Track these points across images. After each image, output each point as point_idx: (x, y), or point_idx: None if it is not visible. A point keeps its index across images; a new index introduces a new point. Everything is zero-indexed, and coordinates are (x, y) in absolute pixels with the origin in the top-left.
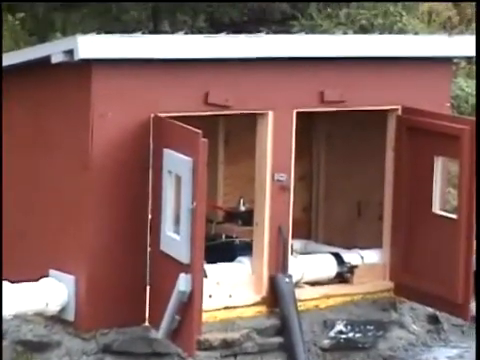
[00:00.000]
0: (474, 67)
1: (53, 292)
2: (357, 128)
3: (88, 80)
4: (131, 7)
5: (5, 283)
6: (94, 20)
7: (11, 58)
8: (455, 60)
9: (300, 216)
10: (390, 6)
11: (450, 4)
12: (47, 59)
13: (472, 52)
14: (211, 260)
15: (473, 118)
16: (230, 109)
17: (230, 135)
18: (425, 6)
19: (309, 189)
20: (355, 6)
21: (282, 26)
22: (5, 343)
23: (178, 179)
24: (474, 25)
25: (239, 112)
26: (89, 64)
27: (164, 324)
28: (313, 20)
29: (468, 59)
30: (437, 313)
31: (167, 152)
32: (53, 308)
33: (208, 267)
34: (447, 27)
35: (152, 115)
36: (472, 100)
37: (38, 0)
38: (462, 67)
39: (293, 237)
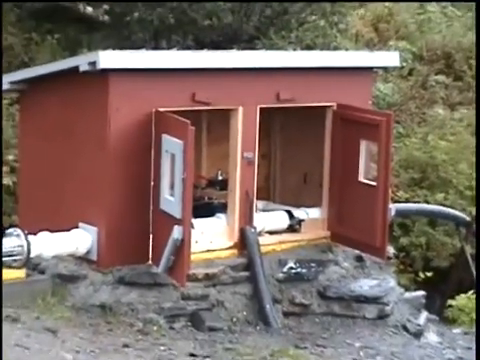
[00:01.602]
0: (389, 74)
1: (81, 239)
2: (303, 119)
3: (106, 84)
4: (139, 30)
5: (46, 233)
6: (111, 39)
7: (50, 67)
8: (375, 69)
9: (262, 184)
10: (328, 29)
11: (372, 27)
12: (76, 68)
13: (387, 63)
14: (197, 216)
15: (389, 112)
16: (211, 105)
17: (211, 125)
18: (353, 29)
19: (269, 164)
20: (302, 30)
21: (249, 44)
22: (46, 276)
23: (173, 156)
24: (390, 43)
25: (218, 107)
26: (107, 72)
27: (163, 262)
28: (272, 40)
29: (384, 69)
30: (362, 254)
31: (165, 137)
32: (81, 250)
33: (195, 221)
34: (370, 45)
35: (154, 110)
36: (387, 98)
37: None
38: (380, 75)
39: (257, 199)
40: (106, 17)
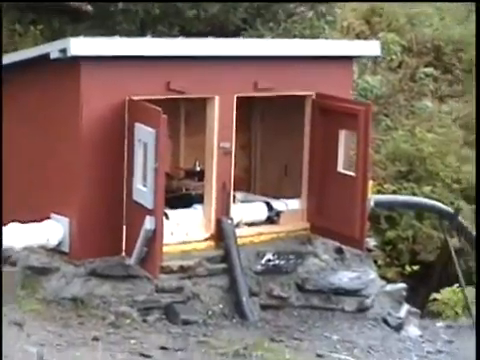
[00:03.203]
0: (377, 67)
1: (53, 230)
2: (283, 110)
3: (78, 71)
4: (124, 21)
5: (17, 224)
6: (96, 30)
7: (25, 54)
8: (360, 60)
9: (242, 175)
10: (315, 21)
11: (363, 20)
12: (47, 55)
13: (368, 52)
14: (174, 207)
15: (367, 102)
16: (186, 94)
17: (189, 115)
18: (345, 22)
19: (248, 155)
20: (290, 22)
21: (236, 36)
22: (17, 268)
23: (145, 146)
24: (380, 34)
25: (193, 96)
26: (78, 59)
27: (135, 254)
28: (259, 31)
29: (373, 59)
30: (342, 246)
31: (137, 125)
32: (53, 242)
33: (171, 212)
34: (360, 37)
35: (127, 98)
36: (375, 90)
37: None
38: (368, 67)
39: (237, 190)
40: (89, 7)
